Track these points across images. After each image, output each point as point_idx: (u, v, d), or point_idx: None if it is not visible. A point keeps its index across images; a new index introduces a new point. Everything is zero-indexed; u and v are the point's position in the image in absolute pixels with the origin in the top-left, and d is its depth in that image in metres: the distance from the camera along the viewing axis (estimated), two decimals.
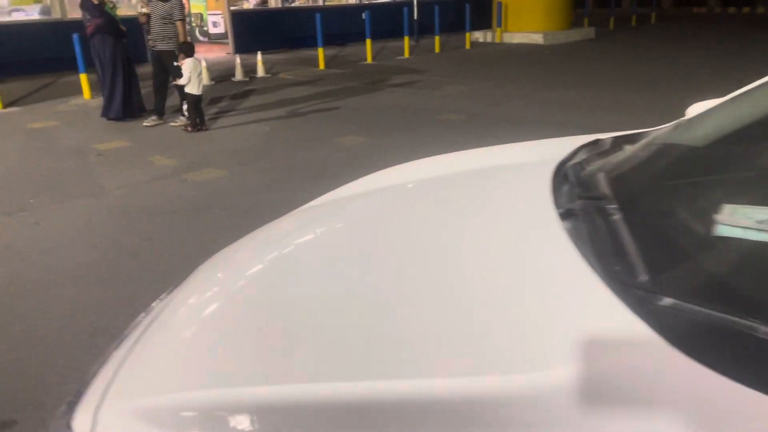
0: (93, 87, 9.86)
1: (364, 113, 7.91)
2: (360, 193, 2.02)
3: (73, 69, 12.64)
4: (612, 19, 19.53)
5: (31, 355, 2.76)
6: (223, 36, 16.82)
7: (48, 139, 6.99)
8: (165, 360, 1.22)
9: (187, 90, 6.99)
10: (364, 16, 18.31)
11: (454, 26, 17.26)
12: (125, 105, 7.98)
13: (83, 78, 9.55)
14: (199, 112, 7.21)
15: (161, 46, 7.42)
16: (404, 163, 2.37)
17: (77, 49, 9.38)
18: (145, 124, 7.57)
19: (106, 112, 7.97)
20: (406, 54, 14.02)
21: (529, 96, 8.76)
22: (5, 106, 8.98)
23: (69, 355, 2.76)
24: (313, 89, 9.83)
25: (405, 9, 14.13)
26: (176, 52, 7.26)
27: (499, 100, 8.56)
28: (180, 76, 7.04)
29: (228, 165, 5.72)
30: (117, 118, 7.86)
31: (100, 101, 9.21)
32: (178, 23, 7.36)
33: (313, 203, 2.09)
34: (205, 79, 6.86)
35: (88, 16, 7.77)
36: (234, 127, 7.39)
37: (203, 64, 7.06)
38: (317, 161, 5.77)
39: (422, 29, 17.22)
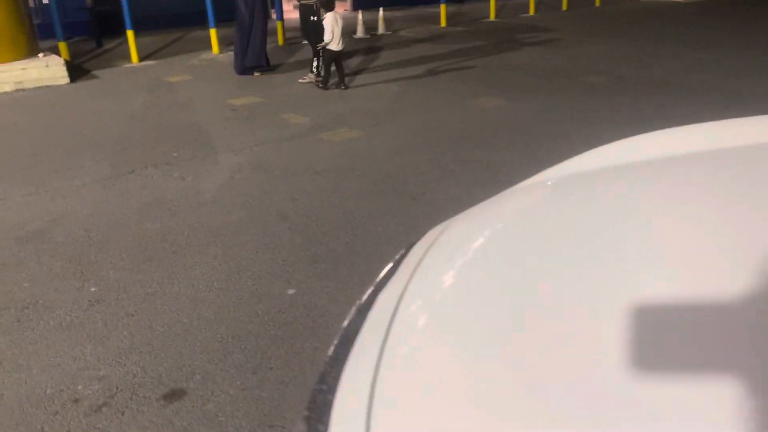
0: (221, 42, 9.99)
1: (497, 73, 7.48)
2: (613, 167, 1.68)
3: (201, 24, 13.00)
4: None
5: (191, 319, 2.70)
6: None
7: (185, 93, 7.10)
8: (438, 383, 0.99)
9: (328, 46, 6.84)
10: None
11: None
12: (259, 59, 8.04)
13: (213, 33, 9.66)
14: (339, 69, 7.05)
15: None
16: (586, 132, 2.01)
17: (209, 2, 9.47)
18: (301, 80, 7.47)
19: (246, 67, 7.99)
20: (531, 11, 13.25)
21: (679, 57, 7.96)
22: (142, 59, 9.27)
23: (230, 321, 2.68)
24: (438, 47, 9.46)
25: None
26: (315, 7, 7.09)
27: (645, 61, 7.84)
28: (313, 32, 6.90)
29: (362, 125, 5.54)
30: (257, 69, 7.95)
31: (229, 56, 9.34)
32: None
33: (538, 178, 1.78)
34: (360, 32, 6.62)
35: None
36: (362, 86, 7.19)
37: (341, 19, 6.84)
38: (455, 124, 5.47)
39: None
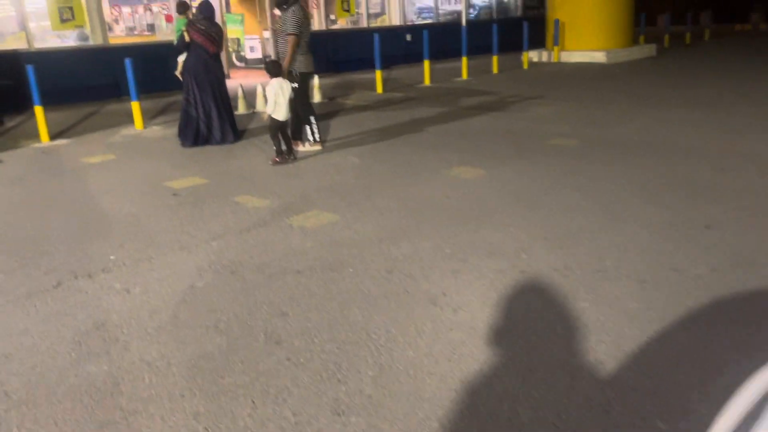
0: (145, 116, 9.05)
1: (458, 139, 6.95)
2: None
3: (115, 96, 11.97)
4: (667, 37, 18.57)
5: None
6: (260, 61, 16.12)
7: (111, 176, 6.10)
8: None
9: (272, 115, 6.11)
10: (408, 38, 17.67)
11: (503, 46, 16.41)
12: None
13: (136, 107, 8.70)
14: (286, 139, 6.34)
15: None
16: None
17: (130, 74, 8.55)
18: (301, 148, 6.78)
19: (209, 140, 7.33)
20: (464, 75, 13.12)
21: (633, 117, 7.76)
22: (53, 137, 8.16)
23: None
24: (385, 114, 8.93)
25: (463, 29, 13.24)
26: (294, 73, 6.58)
27: (601, 121, 7.58)
28: (299, 98, 6.52)
29: (334, 206, 4.77)
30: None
31: (154, 131, 8.39)
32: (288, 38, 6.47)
33: None
34: (317, 97, 6.04)
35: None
36: (316, 158, 6.47)
37: (316, 81, 6.15)
38: (440, 200, 4.80)
39: (469, 50, 16.38)
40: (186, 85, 7.34)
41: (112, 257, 3.93)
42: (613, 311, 2.90)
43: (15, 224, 4.73)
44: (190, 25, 7.13)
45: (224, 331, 2.91)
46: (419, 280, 3.37)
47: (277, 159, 6.26)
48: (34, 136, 8.12)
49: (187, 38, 7.18)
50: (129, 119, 9.01)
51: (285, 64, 6.42)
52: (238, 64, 17.35)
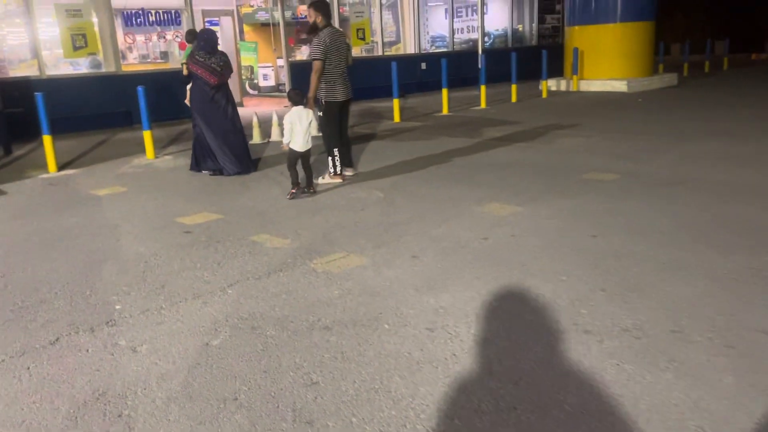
0: (156, 144, 8.74)
1: (485, 172, 6.56)
2: None
3: (127, 125, 11.71)
4: (686, 65, 18.27)
5: None
6: (274, 89, 15.89)
7: (119, 210, 5.74)
8: None
9: (289, 145, 5.78)
10: (423, 66, 17.45)
11: (519, 75, 16.15)
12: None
13: (147, 136, 8.39)
14: (306, 171, 6.01)
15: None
16: None
17: (142, 103, 8.25)
18: (320, 181, 6.43)
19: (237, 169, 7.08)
20: (483, 104, 12.79)
21: (665, 150, 7.35)
22: (60, 167, 7.84)
23: None
24: (405, 144, 8.57)
25: (482, 57, 12.96)
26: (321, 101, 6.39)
27: (634, 154, 7.17)
28: (324, 126, 6.37)
29: (361, 247, 4.37)
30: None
31: (166, 161, 8.06)
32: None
33: None
34: (314, 131, 5.85)
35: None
36: (336, 191, 6.09)
37: (310, 115, 5.82)
38: (477, 241, 4.38)
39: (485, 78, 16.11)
40: (193, 118, 7.15)
41: (117, 306, 3.53)
42: (705, 387, 2.45)
43: (14, 265, 4.35)
44: (190, 57, 6.91)
45: (245, 405, 2.48)
46: (466, 341, 2.94)
47: (293, 191, 5.91)
48: (42, 166, 7.81)
49: (184, 71, 6.94)
50: (140, 148, 8.70)
51: (310, 92, 6.14)
52: (251, 92, 17.15)
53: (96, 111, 11.56)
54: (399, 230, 4.72)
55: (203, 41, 6.90)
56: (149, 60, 13.67)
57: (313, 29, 6.22)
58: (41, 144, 8.02)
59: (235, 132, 7.05)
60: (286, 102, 5.95)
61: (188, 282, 3.88)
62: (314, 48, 6.13)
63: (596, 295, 3.38)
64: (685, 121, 9.59)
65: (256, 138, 9.44)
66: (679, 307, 3.17)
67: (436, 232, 4.62)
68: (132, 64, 13.24)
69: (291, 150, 5.85)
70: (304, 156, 5.94)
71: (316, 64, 6.08)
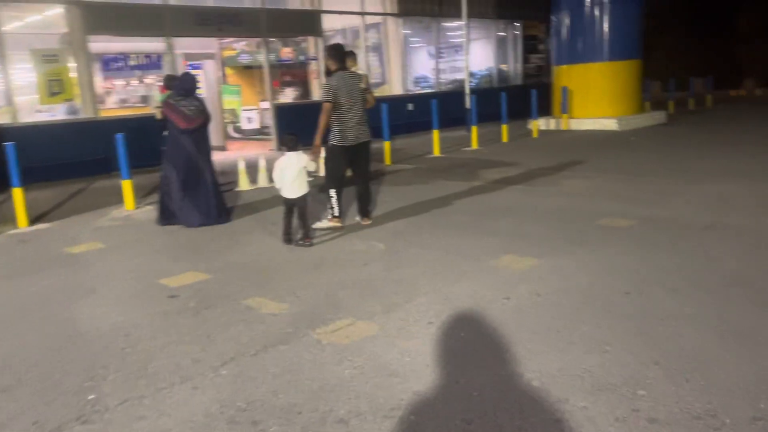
0: (137, 193, 8.25)
1: (493, 219, 6.15)
2: None
3: (104, 172, 11.20)
4: (672, 103, 18.26)
5: None
6: (257, 132, 15.52)
7: (96, 270, 5.20)
8: None
9: (281, 193, 5.49)
10: (410, 107, 17.24)
11: (507, 114, 15.98)
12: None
13: (127, 186, 7.89)
14: (301, 220, 5.67)
15: None
16: None
17: (121, 151, 7.79)
18: (317, 225, 6.15)
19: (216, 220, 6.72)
20: (474, 145, 12.50)
21: (676, 192, 7.02)
22: (33, 221, 7.29)
23: None
24: (399, 189, 8.16)
25: (472, 98, 12.73)
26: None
27: (645, 197, 6.82)
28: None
29: (368, 311, 3.89)
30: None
31: (147, 213, 7.55)
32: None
33: None
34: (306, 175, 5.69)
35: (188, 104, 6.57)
36: (333, 242, 5.63)
37: (302, 160, 5.48)
38: (498, 302, 3.93)
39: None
40: (162, 166, 6.80)
41: (91, 396, 3.00)
42: None
43: None
44: (164, 100, 6.70)
45: None
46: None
47: (283, 240, 5.67)
48: (11, 220, 7.25)
49: (158, 115, 6.66)
50: (119, 198, 8.19)
51: (317, 134, 5.92)
52: (234, 135, 16.77)
53: (72, 159, 11.05)
54: (409, 289, 4.25)
55: (179, 84, 6.68)
56: (128, 105, 13.27)
57: (328, 74, 6.18)
58: (9, 196, 7.48)
59: (200, 179, 6.60)
60: (271, 146, 5.62)
61: (175, 360, 3.36)
62: (323, 89, 6.03)
63: (651, 371, 2.92)
64: (685, 161, 9.32)
65: (244, 185, 8.99)
66: (753, 388, 2.73)
67: (452, 291, 4.16)
68: (111, 108, 12.82)
69: (283, 198, 5.55)
70: (298, 203, 5.58)
71: (324, 106, 5.91)
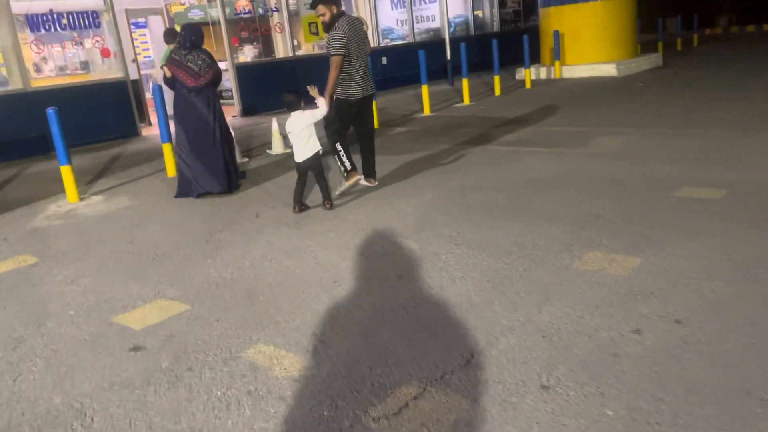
0: (80, 179, 6.73)
1: (536, 195, 4.87)
2: None
3: (43, 152, 9.53)
4: (660, 44, 17.10)
5: None
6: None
7: (25, 309, 3.73)
8: None
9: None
10: (384, 61, 15.67)
11: (486, 64, 14.61)
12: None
13: (66, 173, 6.33)
14: (320, 183, 5.23)
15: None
16: None
17: (55, 130, 6.21)
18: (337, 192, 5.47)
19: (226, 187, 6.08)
20: (466, 100, 11.14)
21: (745, 146, 5.86)
22: None
23: None
24: (402, 158, 6.80)
25: (462, 45, 11.29)
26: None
27: (711, 155, 5.62)
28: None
29: (433, 369, 2.59)
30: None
31: (94, 206, 6.04)
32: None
33: None
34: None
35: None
36: (349, 238, 4.28)
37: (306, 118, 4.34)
38: (630, 342, 2.67)
39: (453, 70, 14.52)
40: (176, 132, 6.14)
41: None
42: None
43: None
44: (169, 57, 6.05)
45: None
46: None
47: (294, 209, 5.15)
48: None
49: (167, 73, 5.95)
50: (60, 186, 6.64)
51: (327, 89, 5.24)
52: None
53: (2, 138, 9.31)
54: (485, 323, 2.95)
55: (181, 37, 6.09)
56: (67, 72, 11.43)
57: (330, 26, 5.30)
58: None
59: (213, 142, 5.96)
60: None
61: None
62: (333, 40, 5.19)
63: None
64: (718, 107, 8.14)
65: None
66: None
67: (547, 324, 2.88)
68: (47, 78, 10.98)
69: (294, 163, 5.16)
70: (313, 166, 5.10)
71: (336, 60, 5.19)
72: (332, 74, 5.18)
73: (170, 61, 5.94)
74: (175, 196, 6.07)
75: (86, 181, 7.31)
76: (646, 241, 3.72)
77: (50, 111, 6.20)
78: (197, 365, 2.82)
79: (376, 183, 5.72)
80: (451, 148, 7.17)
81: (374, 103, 9.45)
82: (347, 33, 5.18)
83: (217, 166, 5.96)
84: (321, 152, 5.15)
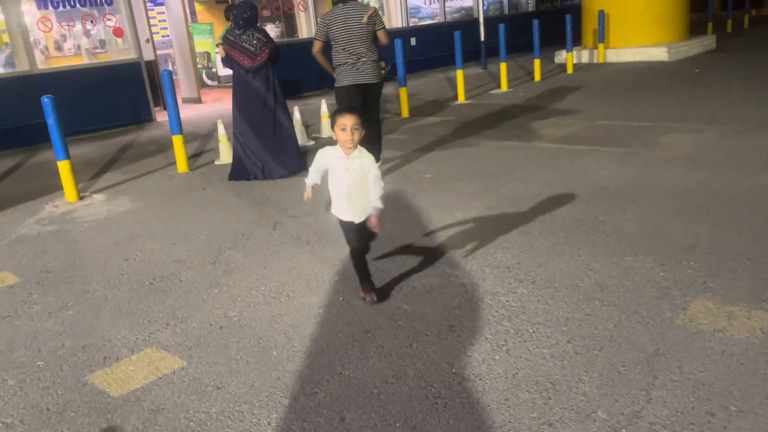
0: (80, 175, 6.06)
1: (610, 212, 4.04)
2: None
3: (47, 141, 8.88)
4: (710, 25, 15.90)
5: None
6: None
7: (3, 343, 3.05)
8: None
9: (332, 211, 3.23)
10: (413, 41, 14.75)
11: (525, 46, 13.63)
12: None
13: (64, 169, 5.65)
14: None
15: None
16: None
17: (51, 120, 5.52)
18: None
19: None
20: (504, 86, 10.23)
21: None
22: None
23: None
24: (437, 156, 6.00)
25: (501, 26, 10.36)
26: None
27: None
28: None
29: None
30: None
31: (96, 206, 5.35)
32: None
33: None
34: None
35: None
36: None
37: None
38: None
39: (487, 52, 13.56)
40: (233, 111, 6.00)
41: None
42: None
43: None
44: (224, 37, 5.86)
45: None
46: None
47: (363, 295, 3.14)
48: None
49: (221, 53, 5.80)
50: (59, 180, 5.95)
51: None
52: (209, 83, 14.33)
53: (6, 124, 8.67)
54: (563, 409, 2.18)
55: (233, 16, 5.82)
56: (79, 53, 10.74)
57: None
58: None
59: (274, 123, 5.86)
60: None
61: None
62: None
63: None
64: None
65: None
66: None
67: (658, 420, 2.09)
68: (57, 58, 10.31)
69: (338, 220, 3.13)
70: (360, 240, 3.11)
71: (314, 45, 5.43)
72: (317, 59, 5.48)
73: (225, 42, 5.75)
74: (229, 179, 5.93)
75: (90, 175, 6.65)
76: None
77: (45, 99, 5.50)
78: None
79: (380, 162, 5.64)
80: (493, 145, 6.35)
81: (403, 91, 8.70)
82: (328, 20, 5.30)
83: (286, 147, 5.88)
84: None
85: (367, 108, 5.41)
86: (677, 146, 5.64)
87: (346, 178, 2.94)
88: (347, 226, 3.06)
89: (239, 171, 5.91)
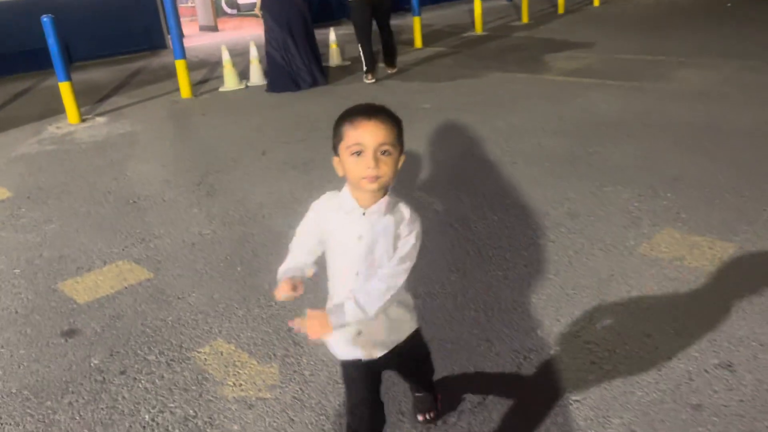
0: (83, 99, 6.10)
1: (609, 148, 3.95)
2: None
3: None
4: None
5: None
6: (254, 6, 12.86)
7: None
8: None
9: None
10: None
11: None
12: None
13: (65, 90, 5.69)
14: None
15: None
16: None
17: (51, 40, 5.53)
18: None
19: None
20: (525, 18, 9.88)
21: None
22: None
23: None
24: (440, 86, 5.88)
25: None
26: None
27: None
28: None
29: None
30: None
31: (97, 128, 5.42)
32: None
33: None
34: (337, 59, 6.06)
35: None
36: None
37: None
38: None
39: None
40: (266, 25, 6.21)
41: None
42: None
43: None
44: None
45: None
46: None
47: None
48: None
49: None
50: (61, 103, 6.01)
51: None
52: (228, 11, 14.16)
53: (14, 48, 8.71)
54: (513, 329, 2.20)
55: None
56: None
57: None
58: None
59: (308, 34, 6.21)
60: None
61: None
62: None
63: None
64: None
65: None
66: None
67: (595, 341, 2.09)
68: None
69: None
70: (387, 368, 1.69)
71: None
72: None
73: None
74: (266, 90, 6.29)
75: (97, 99, 6.69)
76: (743, 220, 2.83)
77: (44, 19, 5.50)
78: (134, 367, 2.18)
79: (396, 69, 6.68)
80: (500, 77, 6.19)
81: (417, 20, 8.47)
82: None
83: (313, 58, 6.18)
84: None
85: (380, 16, 6.20)
86: (689, 80, 5.43)
87: (358, 251, 1.45)
88: (352, 369, 1.56)
89: (281, 83, 6.14)
